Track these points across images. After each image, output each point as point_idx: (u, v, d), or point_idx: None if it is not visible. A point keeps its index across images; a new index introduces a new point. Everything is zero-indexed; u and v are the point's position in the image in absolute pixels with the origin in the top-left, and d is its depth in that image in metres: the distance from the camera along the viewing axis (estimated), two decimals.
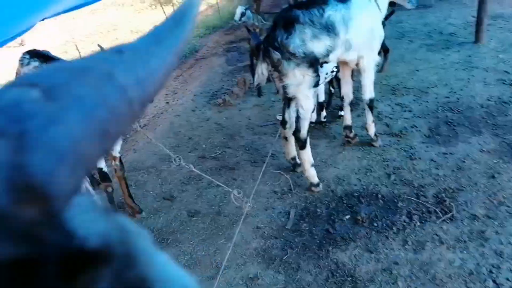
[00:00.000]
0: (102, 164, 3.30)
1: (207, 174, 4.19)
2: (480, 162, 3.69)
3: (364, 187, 3.63)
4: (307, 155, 3.51)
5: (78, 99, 0.27)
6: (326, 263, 2.89)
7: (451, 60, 6.04)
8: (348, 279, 2.74)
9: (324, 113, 4.80)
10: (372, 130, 4.10)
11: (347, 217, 3.31)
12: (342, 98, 4.11)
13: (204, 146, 4.82)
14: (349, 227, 3.20)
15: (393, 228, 3.09)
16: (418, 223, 3.09)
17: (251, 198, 3.32)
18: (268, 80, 6.45)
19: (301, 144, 3.47)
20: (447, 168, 3.69)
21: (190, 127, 5.36)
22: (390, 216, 3.22)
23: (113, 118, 0.29)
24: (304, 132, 3.42)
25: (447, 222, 3.04)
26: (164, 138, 5.14)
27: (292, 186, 3.79)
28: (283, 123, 3.66)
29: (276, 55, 3.12)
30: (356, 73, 4.34)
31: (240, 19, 8.56)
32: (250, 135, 4.91)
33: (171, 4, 10.36)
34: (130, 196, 3.70)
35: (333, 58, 3.37)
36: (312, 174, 3.57)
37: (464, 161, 3.74)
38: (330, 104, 5.08)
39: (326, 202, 3.53)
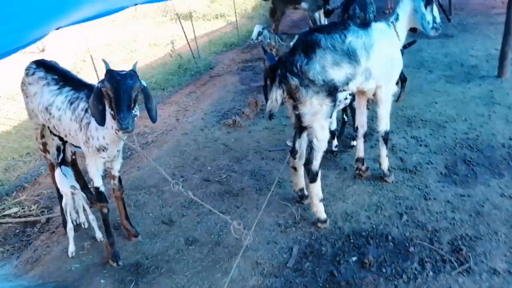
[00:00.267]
0: (99, 183, 3.16)
1: (210, 199, 4.04)
2: (500, 208, 3.44)
3: (374, 226, 3.41)
4: (316, 189, 3.32)
5: None
6: None
7: (472, 94, 5.81)
8: None
9: (335, 142, 4.62)
10: (385, 164, 3.90)
11: (354, 259, 3.08)
12: (356, 129, 3.92)
13: (209, 168, 4.66)
14: (355, 270, 2.97)
15: (403, 276, 2.86)
16: (431, 273, 2.85)
17: (253, 229, 3.12)
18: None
19: (311, 177, 3.27)
20: (464, 212, 3.45)
21: (197, 146, 5.22)
22: (400, 262, 2.99)
23: None
24: (316, 164, 3.23)
25: (463, 275, 2.80)
26: (170, 156, 5.01)
27: (297, 219, 3.59)
28: (293, 152, 3.47)
29: (294, 81, 2.95)
30: (370, 102, 4.17)
31: (257, 38, 8.50)
32: (258, 159, 4.73)
33: (190, 19, 10.34)
34: (127, 217, 3.53)
35: (352, 87, 3.20)
36: (320, 210, 3.37)
37: (483, 206, 3.50)
38: (342, 133, 4.89)
39: (332, 240, 3.31)
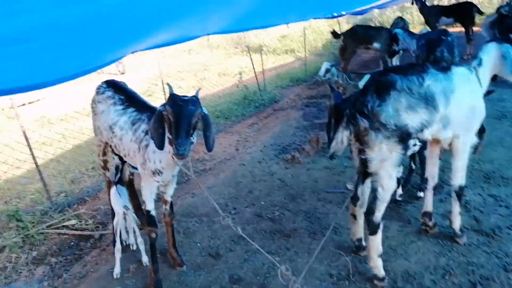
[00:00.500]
0: (151, 206, 3.14)
1: (260, 236, 3.87)
2: None
3: None
4: (376, 242, 3.02)
5: None
6: None
7: None
8: None
9: (400, 191, 4.26)
10: (457, 223, 3.49)
11: None
12: (425, 180, 3.58)
13: (262, 203, 4.51)
14: None
15: None
16: None
17: (302, 276, 2.89)
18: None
19: (372, 229, 2.99)
20: None
21: (253, 179, 5.12)
22: None
23: None
24: (378, 215, 2.95)
25: None
26: (225, 186, 4.95)
27: (351, 271, 3.28)
28: (354, 199, 3.22)
29: (364, 124, 2.75)
30: (443, 152, 3.81)
31: (324, 75, 8.41)
32: (314, 200, 4.50)
33: (260, 52, 10.58)
34: (174, 245, 3.47)
35: (427, 135, 2.92)
36: (378, 265, 3.05)
37: None
38: (408, 181, 4.52)
39: None
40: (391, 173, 2.83)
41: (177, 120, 2.48)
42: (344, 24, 15.97)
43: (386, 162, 2.79)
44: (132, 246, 3.66)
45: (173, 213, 3.41)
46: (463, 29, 10.79)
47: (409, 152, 4.06)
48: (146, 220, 3.21)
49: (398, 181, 4.14)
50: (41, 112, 8.20)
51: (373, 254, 3.04)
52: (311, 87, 10.45)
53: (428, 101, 2.75)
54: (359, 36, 9.35)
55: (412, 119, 2.73)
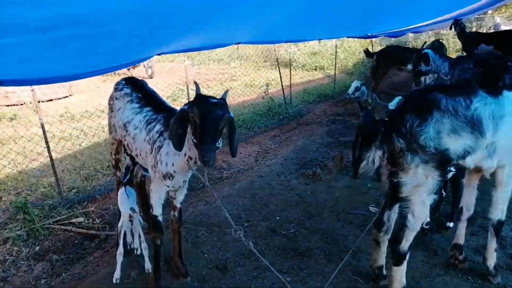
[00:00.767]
0: (158, 211, 2.95)
1: (272, 253, 3.62)
2: None
3: None
4: (400, 273, 2.71)
5: None
6: None
7: None
8: None
9: (427, 219, 3.92)
10: (492, 260, 3.13)
11: None
12: (459, 210, 3.24)
13: (278, 218, 4.26)
14: None
15: None
16: None
17: None
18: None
19: (397, 259, 2.69)
20: None
21: (270, 192, 4.88)
22: None
23: None
24: (406, 245, 2.65)
25: None
26: (240, 197, 4.73)
27: None
28: (379, 224, 2.92)
29: (400, 144, 2.48)
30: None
31: (353, 93, 8.17)
32: (333, 219, 4.21)
33: (289, 66, 10.41)
34: (180, 254, 3.26)
35: (469, 163, 2.61)
36: None
37: None
38: (438, 209, 4.17)
39: None
40: (424, 200, 2.53)
41: (204, 124, 2.26)
42: (376, 46, 15.68)
43: (421, 188, 2.50)
44: (136, 250, 3.46)
45: (181, 220, 3.21)
46: None
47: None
48: (152, 225, 3.02)
49: None
50: (66, 109, 8.24)
51: (396, 285, 2.73)
52: (339, 104, 10.18)
53: (475, 125, 2.46)
54: (393, 56, 9.08)
55: (454, 144, 2.44)
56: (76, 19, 2.47)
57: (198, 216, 4.23)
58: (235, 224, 2.79)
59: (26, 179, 5.12)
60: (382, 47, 10.84)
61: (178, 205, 3.12)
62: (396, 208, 2.86)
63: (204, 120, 2.27)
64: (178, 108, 3.06)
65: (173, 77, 13.68)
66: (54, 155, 5.78)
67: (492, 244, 3.07)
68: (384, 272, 3.10)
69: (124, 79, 3.35)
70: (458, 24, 10.28)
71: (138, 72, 13.40)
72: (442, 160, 2.43)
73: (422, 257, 3.53)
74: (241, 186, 5.03)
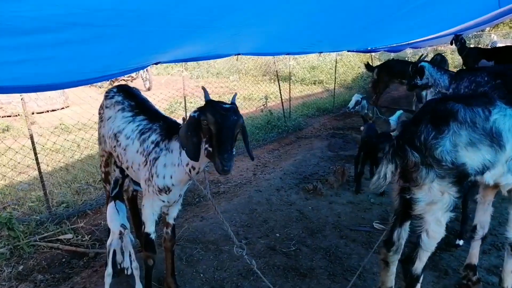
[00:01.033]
0: (151, 229, 2.74)
1: (272, 273, 3.39)
2: None
3: None
4: None
5: None
6: None
7: None
8: None
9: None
10: (509, 281, 2.91)
11: None
12: (472, 228, 3.03)
13: (278, 235, 4.04)
14: None
15: None
16: None
17: None
18: (371, 177, 5.57)
19: (410, 281, 2.47)
20: None
21: (269, 207, 4.66)
22: None
23: None
24: (419, 266, 2.44)
25: None
26: (238, 212, 4.51)
27: None
28: (389, 243, 2.70)
29: (414, 158, 2.30)
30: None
31: (354, 107, 8.03)
32: (336, 237, 3.99)
33: (288, 80, 10.29)
34: (173, 274, 3.03)
35: (488, 179, 2.42)
36: None
37: None
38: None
39: None
40: (439, 218, 2.33)
41: (221, 132, 2.10)
42: (376, 61, 15.68)
43: (436, 205, 2.30)
44: (127, 270, 3.22)
45: (174, 238, 2.99)
46: None
47: None
48: (144, 244, 2.80)
49: None
50: (61, 120, 8.05)
51: None
52: (338, 118, 10.05)
53: (494, 138, 2.27)
54: (394, 70, 9.00)
55: (472, 158, 2.25)
56: (65, 21, 2.32)
57: (193, 233, 4.01)
58: (234, 241, 2.59)
59: (14, 193, 4.90)
60: (382, 62, 10.78)
61: (172, 222, 2.91)
62: (407, 226, 2.66)
63: (221, 127, 2.11)
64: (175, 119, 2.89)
65: (171, 90, 13.59)
66: (44, 167, 5.58)
67: (509, 264, 2.86)
68: None
69: (116, 86, 3.17)
70: (458, 40, 10.23)
71: (136, 84, 13.24)
72: (459, 175, 2.24)
73: (431, 277, 3.31)
74: (239, 201, 4.82)
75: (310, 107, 10.93)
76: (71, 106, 10.72)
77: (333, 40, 7.20)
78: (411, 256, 2.47)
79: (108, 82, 12.10)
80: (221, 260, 3.59)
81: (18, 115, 9.11)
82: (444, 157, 2.23)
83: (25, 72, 2.89)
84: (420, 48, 15.65)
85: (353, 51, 11.00)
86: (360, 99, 8.17)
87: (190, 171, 2.44)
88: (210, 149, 2.16)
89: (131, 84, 12.94)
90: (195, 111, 2.25)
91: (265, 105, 9.28)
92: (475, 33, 22.04)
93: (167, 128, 2.65)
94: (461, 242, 3.70)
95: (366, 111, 7.69)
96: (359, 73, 16.60)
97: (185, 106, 6.92)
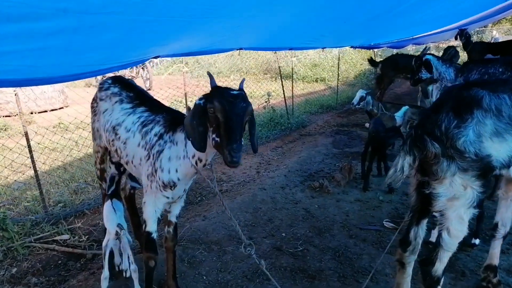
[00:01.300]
0: (153, 228, 2.57)
1: (279, 275, 3.22)
2: None
3: None
4: None
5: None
6: None
7: None
8: None
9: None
10: None
11: None
12: (493, 226, 2.84)
13: (284, 234, 3.86)
14: None
15: None
16: None
17: None
18: (379, 173, 5.38)
19: (429, 284, 2.29)
20: None
21: (274, 206, 4.49)
22: None
23: None
24: (440, 268, 2.26)
25: None
26: (242, 211, 4.34)
27: None
28: (405, 243, 2.52)
29: (434, 149, 2.12)
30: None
31: (358, 103, 7.85)
32: (345, 236, 3.82)
33: (290, 78, 10.11)
34: (174, 276, 2.86)
35: None
36: None
37: None
38: None
39: None
40: (462, 215, 2.14)
41: (229, 120, 1.93)
42: (378, 58, 15.49)
43: (458, 201, 2.12)
44: (125, 273, 3.06)
45: (176, 238, 2.82)
46: None
47: None
48: (144, 243, 2.62)
49: None
50: (60, 120, 7.89)
51: None
52: (342, 115, 9.87)
53: None
54: (398, 65, 8.80)
55: (498, 149, 2.06)
56: (55, 6, 2.14)
57: (196, 233, 3.84)
58: (237, 241, 2.44)
59: (9, 192, 4.73)
60: (385, 57, 10.60)
61: (174, 220, 2.74)
62: (424, 224, 2.48)
63: (229, 115, 1.93)
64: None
65: (171, 89, 13.43)
66: (42, 167, 5.42)
67: None
68: None
69: (110, 78, 2.99)
70: (463, 34, 10.02)
71: (136, 83, 13.13)
72: (484, 168, 2.06)
73: (448, 279, 3.12)
74: (243, 199, 4.64)
75: (313, 104, 10.75)
76: (71, 106, 10.57)
77: (336, 35, 7.04)
78: (431, 256, 2.29)
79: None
80: (225, 261, 3.41)
81: (17, 114, 8.95)
82: (467, 148, 2.05)
83: (15, 64, 2.72)
84: (423, 44, 15.50)
85: (356, 47, 10.83)
86: (364, 94, 7.98)
87: (196, 163, 2.27)
88: (218, 139, 1.98)
89: None
90: (200, 98, 2.08)
91: (268, 101, 9.10)
92: (477, 29, 21.86)
93: (171, 119, 2.48)
94: (477, 241, 3.52)
95: (371, 107, 7.52)
96: (362, 70, 16.41)
97: (186, 104, 6.75)
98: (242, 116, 1.96)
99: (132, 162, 2.62)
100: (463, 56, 14.54)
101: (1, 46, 2.34)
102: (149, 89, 13.91)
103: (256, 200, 4.61)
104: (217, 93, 2.00)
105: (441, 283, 2.31)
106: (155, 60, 19.50)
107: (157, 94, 7.69)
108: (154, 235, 2.60)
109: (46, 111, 9.66)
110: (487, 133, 2.04)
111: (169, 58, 21.30)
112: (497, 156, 2.07)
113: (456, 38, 11.19)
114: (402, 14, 6.05)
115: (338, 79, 12.16)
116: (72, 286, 3.10)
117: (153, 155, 2.42)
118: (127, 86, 2.87)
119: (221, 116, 1.94)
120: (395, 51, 15.47)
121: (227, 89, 2.04)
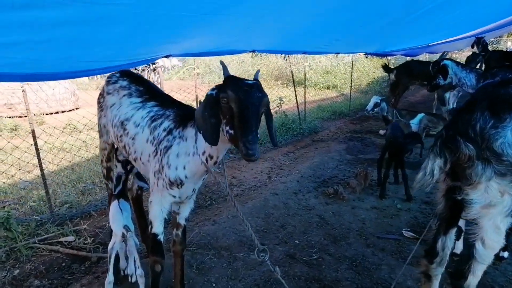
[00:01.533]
0: (159, 229, 2.42)
1: (293, 284, 3.05)
2: None
3: None
4: None
5: None
6: None
7: None
8: None
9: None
10: None
11: None
12: None
13: (297, 242, 3.68)
14: None
15: None
16: None
17: None
18: (396, 181, 5.17)
19: None
20: None
21: (286, 212, 4.31)
22: None
23: None
24: (474, 282, 2.07)
25: None
26: (253, 216, 4.17)
27: None
28: (431, 254, 2.32)
29: (468, 150, 1.94)
30: None
31: (372, 109, 7.67)
32: (362, 245, 3.62)
33: (305, 83, 9.94)
34: (182, 282, 2.70)
35: None
36: None
37: None
38: None
39: None
40: (498, 224, 1.95)
41: (244, 110, 1.79)
42: (391, 65, 15.28)
43: (494, 209, 1.93)
44: (131, 278, 2.90)
45: (185, 242, 2.67)
46: None
47: None
48: (150, 246, 2.47)
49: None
50: (70, 121, 7.83)
51: None
52: (355, 122, 9.68)
53: None
54: (414, 71, 8.61)
55: None
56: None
57: (205, 238, 3.68)
58: (249, 247, 2.28)
59: (15, 191, 4.63)
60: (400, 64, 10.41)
61: (183, 223, 2.59)
62: (453, 233, 2.29)
63: (244, 105, 1.79)
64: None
65: (182, 94, 13.39)
66: (50, 166, 5.32)
67: None
68: None
69: (118, 71, 2.87)
70: (480, 42, 9.78)
71: None
72: None
73: None
74: (254, 204, 4.47)
75: (326, 110, 10.58)
76: (83, 107, 10.55)
77: (351, 40, 6.88)
78: (463, 269, 2.10)
79: None
80: (236, 268, 3.24)
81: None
82: (505, 151, 1.87)
83: (20, 57, 2.61)
84: (437, 53, 15.27)
85: (369, 54, 10.66)
86: (379, 101, 7.80)
87: (206, 160, 2.12)
88: (232, 131, 1.83)
89: None
90: (213, 89, 1.93)
91: (279, 107, 8.95)
92: (492, 39, 21.57)
93: (182, 114, 2.34)
94: (505, 254, 3.30)
95: (385, 113, 7.34)
96: (374, 78, 16.22)
97: (197, 98, 6.65)
98: (258, 106, 1.81)
99: (140, 159, 2.48)
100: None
101: (5, 37, 2.23)
102: None
103: (268, 206, 4.43)
104: (231, 82, 1.86)
105: None
106: (166, 63, 19.53)
107: None
108: (161, 237, 2.44)
109: (57, 112, 9.65)
110: None
111: (180, 63, 21.38)
112: None
113: (472, 47, 10.93)
114: (419, 19, 5.88)
115: (351, 86, 11.98)
116: None
117: (161, 150, 2.28)
118: (136, 80, 2.74)
119: (236, 106, 1.79)
120: (408, 59, 15.30)
121: (242, 79, 1.89)
